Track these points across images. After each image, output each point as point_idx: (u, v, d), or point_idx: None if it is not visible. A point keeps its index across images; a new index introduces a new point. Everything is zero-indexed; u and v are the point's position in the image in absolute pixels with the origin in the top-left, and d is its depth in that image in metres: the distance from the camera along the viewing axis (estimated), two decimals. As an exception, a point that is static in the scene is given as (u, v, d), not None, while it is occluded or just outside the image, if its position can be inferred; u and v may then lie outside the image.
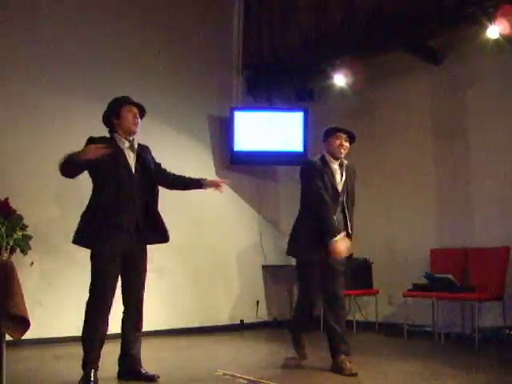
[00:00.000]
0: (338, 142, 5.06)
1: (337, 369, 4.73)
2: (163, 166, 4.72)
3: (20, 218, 5.63)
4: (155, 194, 4.57)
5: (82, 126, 6.85)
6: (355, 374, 4.58)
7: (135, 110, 4.47)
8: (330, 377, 4.60)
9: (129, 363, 4.51)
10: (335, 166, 5.11)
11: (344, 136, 5.09)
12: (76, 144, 6.72)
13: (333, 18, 7.17)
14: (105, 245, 4.35)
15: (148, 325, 6.87)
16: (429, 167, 7.32)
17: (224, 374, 4.65)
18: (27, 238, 5.70)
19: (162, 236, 4.58)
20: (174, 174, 4.74)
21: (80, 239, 4.55)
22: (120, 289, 4.56)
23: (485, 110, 6.88)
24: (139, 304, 4.63)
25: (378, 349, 4.50)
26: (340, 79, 7.54)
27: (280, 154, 8.00)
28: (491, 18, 5.89)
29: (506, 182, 6.60)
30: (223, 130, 8.10)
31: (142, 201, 4.45)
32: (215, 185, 4.84)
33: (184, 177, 4.76)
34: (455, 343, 6.36)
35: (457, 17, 6.14)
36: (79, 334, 6.48)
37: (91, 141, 4.36)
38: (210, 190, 4.83)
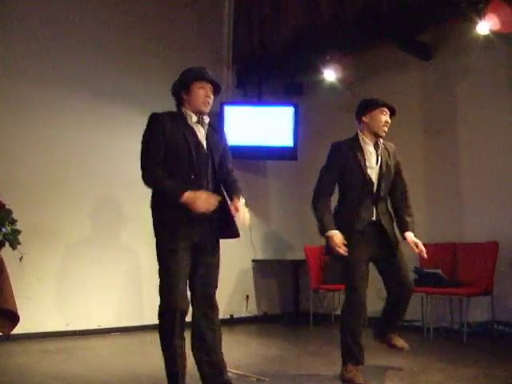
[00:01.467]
0: (383, 118, 4.43)
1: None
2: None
3: (9, 212, 5.61)
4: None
5: (74, 119, 6.88)
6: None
7: (208, 87, 3.86)
8: (319, 369, 4.61)
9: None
10: (370, 147, 4.46)
11: (388, 112, 4.48)
12: (67, 137, 6.79)
13: (323, 12, 7.16)
14: (173, 235, 3.66)
15: (137, 320, 6.93)
16: (418, 162, 7.33)
17: (214, 369, 4.63)
18: (16, 232, 5.68)
19: (232, 230, 3.87)
20: (228, 176, 3.98)
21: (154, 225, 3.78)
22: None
23: (475, 105, 6.89)
24: (209, 304, 3.82)
25: (367, 343, 4.50)
26: (330, 74, 7.53)
27: (270, 149, 7.99)
28: (481, 14, 5.91)
29: (495, 177, 6.63)
30: (213, 125, 8.07)
31: (215, 184, 3.83)
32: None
33: (231, 186, 3.97)
34: (444, 338, 6.39)
35: (447, 12, 6.16)
36: (68, 328, 6.56)
37: (155, 117, 3.75)
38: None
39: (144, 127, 3.72)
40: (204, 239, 3.73)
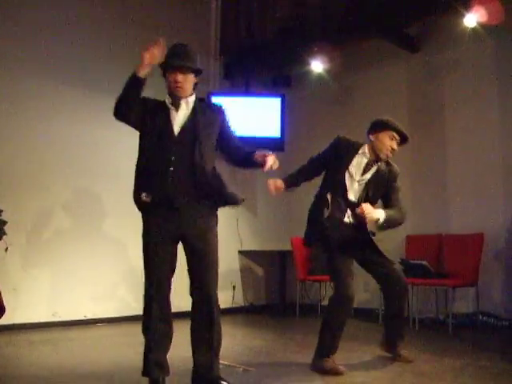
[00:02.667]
0: (389, 143, 4.38)
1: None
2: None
3: (-6, 202, 5.59)
4: (207, 163, 3.70)
5: (62, 112, 6.85)
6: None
7: (176, 72, 3.68)
8: (305, 359, 4.62)
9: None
10: (364, 159, 4.44)
11: (398, 138, 4.40)
12: (55, 130, 6.76)
13: (311, 3, 7.15)
14: (149, 222, 3.64)
15: (125, 310, 6.92)
16: (405, 154, 7.32)
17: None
18: (2, 223, 5.66)
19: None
20: (240, 151, 4.02)
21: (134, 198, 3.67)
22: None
23: (461, 97, 6.93)
24: (209, 302, 3.68)
25: (354, 334, 4.53)
26: (317, 65, 7.54)
27: (257, 140, 7.96)
28: (468, 6, 5.93)
29: (482, 170, 6.67)
30: (200, 115, 8.05)
31: (185, 169, 3.62)
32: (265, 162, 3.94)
33: (248, 156, 4.00)
34: (429, 328, 6.43)
35: (434, 5, 6.17)
36: (54, 319, 6.54)
37: (144, 100, 3.70)
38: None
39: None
40: (191, 228, 3.63)
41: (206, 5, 8.43)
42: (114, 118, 3.70)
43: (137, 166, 3.67)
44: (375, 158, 4.45)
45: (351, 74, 7.71)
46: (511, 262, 6.38)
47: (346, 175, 4.43)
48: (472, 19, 6.07)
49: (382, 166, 4.49)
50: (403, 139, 4.46)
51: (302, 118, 8.39)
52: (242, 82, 8.34)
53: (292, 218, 8.51)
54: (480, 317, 6.37)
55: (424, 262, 6.44)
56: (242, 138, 7.89)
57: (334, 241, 4.39)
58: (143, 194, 3.58)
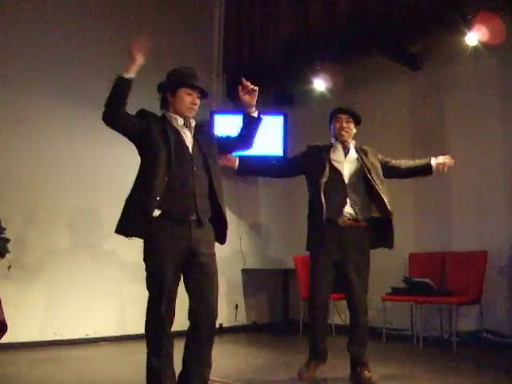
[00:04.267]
0: (337, 124, 4.80)
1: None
2: None
3: (-2, 221, 5.60)
4: (217, 182, 3.72)
5: (66, 129, 6.85)
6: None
7: (195, 93, 3.74)
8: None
9: None
10: (339, 146, 4.83)
11: (344, 117, 4.79)
12: (55, 145, 6.77)
13: (313, 22, 7.19)
14: (160, 240, 3.52)
15: (128, 329, 6.90)
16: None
17: (203, 378, 4.61)
18: (5, 241, 5.66)
19: (221, 236, 3.84)
20: (236, 137, 4.05)
21: (122, 227, 3.56)
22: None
23: (462, 115, 6.94)
24: (213, 321, 3.67)
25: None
26: (320, 84, 7.55)
27: (259, 159, 7.97)
28: (470, 25, 5.95)
29: (484, 187, 6.66)
30: (203, 134, 8.06)
31: (204, 187, 3.64)
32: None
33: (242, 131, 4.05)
34: (433, 347, 6.39)
35: (436, 23, 6.19)
36: (56, 337, 6.51)
37: (141, 110, 3.79)
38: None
39: None
40: (197, 246, 3.58)
41: (208, 23, 8.49)
42: (116, 135, 3.71)
43: (147, 184, 3.52)
44: (343, 145, 4.84)
45: (353, 92, 7.71)
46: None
47: (334, 163, 4.76)
48: (473, 38, 6.08)
49: (351, 145, 4.87)
50: (352, 116, 4.86)
51: (304, 137, 8.37)
52: (245, 100, 8.35)
53: (295, 236, 8.48)
54: (484, 334, 6.34)
55: (427, 280, 6.42)
56: (244, 157, 7.96)
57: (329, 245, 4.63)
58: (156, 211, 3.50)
